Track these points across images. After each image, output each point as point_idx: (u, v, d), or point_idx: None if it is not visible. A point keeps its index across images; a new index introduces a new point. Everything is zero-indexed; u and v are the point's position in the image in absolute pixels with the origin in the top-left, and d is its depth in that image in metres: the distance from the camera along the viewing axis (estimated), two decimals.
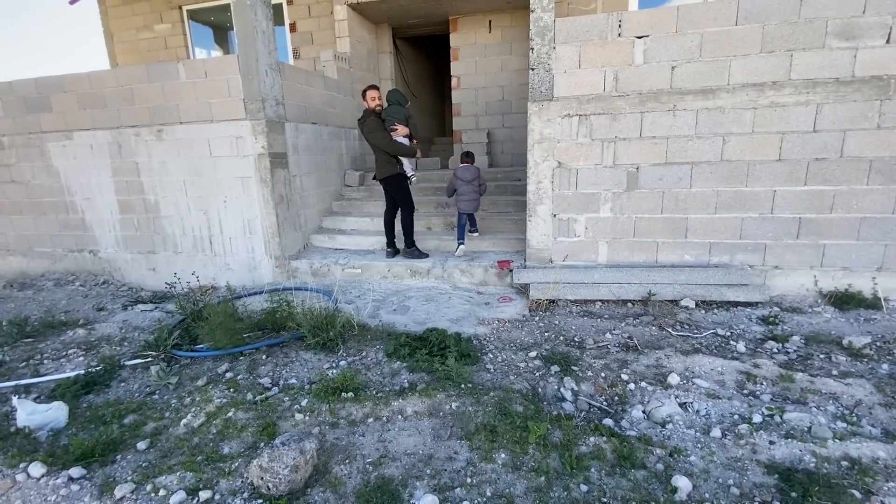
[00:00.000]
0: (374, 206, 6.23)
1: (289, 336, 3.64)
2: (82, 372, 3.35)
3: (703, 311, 3.92)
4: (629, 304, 4.14)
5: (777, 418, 2.46)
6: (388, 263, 5.04)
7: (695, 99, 3.91)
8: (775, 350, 3.17)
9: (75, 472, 2.30)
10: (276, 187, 5.15)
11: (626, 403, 2.71)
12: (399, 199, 5.15)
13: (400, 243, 5.35)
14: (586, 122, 4.15)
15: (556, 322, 3.89)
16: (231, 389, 2.98)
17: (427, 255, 5.24)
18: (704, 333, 3.48)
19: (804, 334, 3.37)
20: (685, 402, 2.64)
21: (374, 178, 5.23)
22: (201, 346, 3.69)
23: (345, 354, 3.44)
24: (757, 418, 2.46)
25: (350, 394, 2.78)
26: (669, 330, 3.58)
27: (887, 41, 3.54)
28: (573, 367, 3.09)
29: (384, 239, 5.51)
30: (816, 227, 3.94)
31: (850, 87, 3.64)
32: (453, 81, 7.83)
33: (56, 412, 2.78)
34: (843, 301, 3.86)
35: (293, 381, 3.10)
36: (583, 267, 4.40)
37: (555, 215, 4.41)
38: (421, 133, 8.24)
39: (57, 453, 2.47)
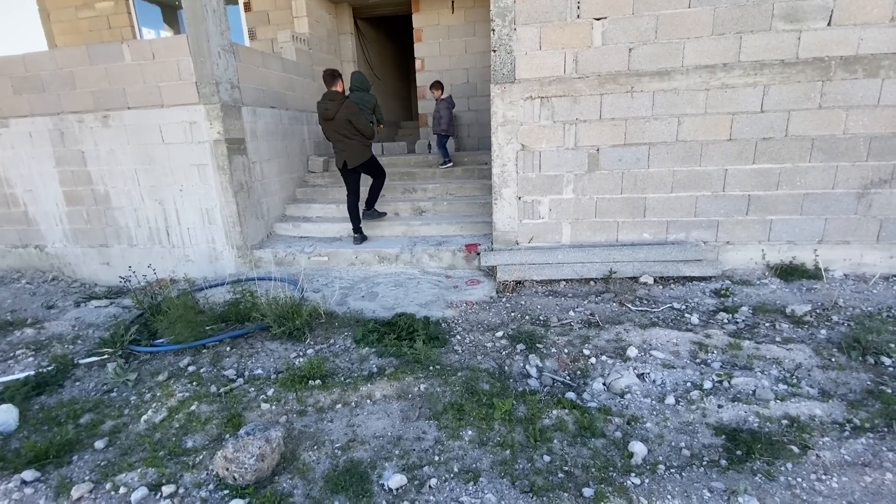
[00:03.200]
0: (339, 193, 6.13)
1: (253, 327, 3.57)
2: (32, 373, 3.19)
3: (661, 287, 4.08)
4: (592, 283, 4.26)
5: (725, 384, 2.62)
6: (355, 250, 4.99)
7: (651, 80, 4.01)
8: (725, 321, 3.35)
9: (28, 475, 2.21)
10: (234, 175, 4.98)
11: (587, 377, 2.82)
12: (376, 173, 5.25)
13: (368, 230, 5.31)
14: (548, 105, 4.19)
15: (523, 302, 3.97)
16: (194, 383, 2.92)
17: (385, 214, 5.47)
18: (661, 308, 3.64)
19: (752, 305, 3.57)
20: (643, 373, 2.77)
21: (343, 167, 5.03)
22: (161, 340, 3.58)
23: (312, 343, 3.41)
24: (707, 384, 2.61)
25: (318, 381, 2.77)
26: (629, 306, 3.72)
27: (828, 23, 3.71)
28: (538, 345, 3.17)
29: (350, 225, 5.44)
30: (764, 204, 4.15)
31: (795, 68, 3.81)
32: (417, 63, 7.71)
33: (4, 415, 2.65)
34: (788, 273, 4.11)
35: (259, 371, 3.06)
36: (547, 248, 4.49)
37: (520, 198, 4.46)
38: (386, 117, 8.13)
39: (8, 457, 2.37)
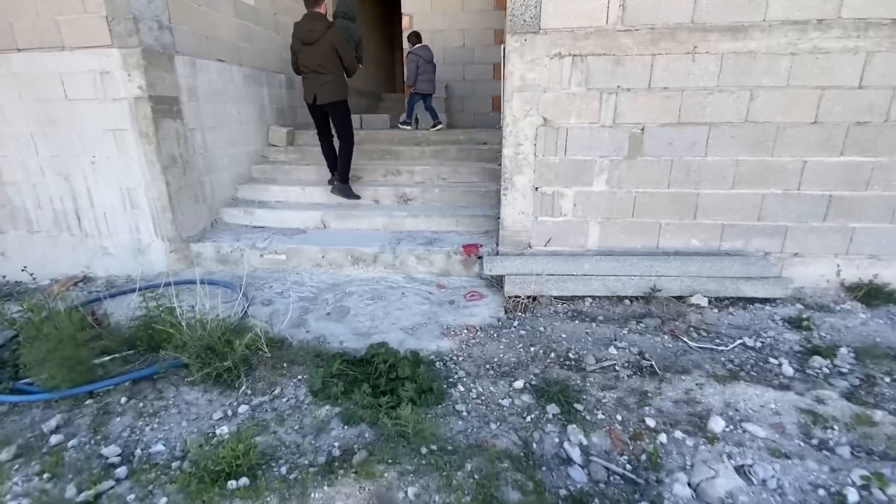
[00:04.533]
0: (307, 172, 4.99)
1: (165, 365, 2.49)
2: None
3: (716, 310, 3.18)
4: (626, 302, 3.33)
5: (878, 493, 1.71)
6: (321, 248, 3.90)
7: (721, 39, 3.01)
8: (826, 370, 2.46)
9: None
10: (164, 144, 3.79)
11: (660, 468, 1.88)
12: (343, 129, 4.42)
13: (339, 222, 4.23)
14: (582, 66, 3.15)
15: (542, 328, 3.00)
16: (45, 475, 1.84)
17: (359, 197, 4.62)
18: (731, 345, 2.72)
19: (850, 345, 2.69)
20: (743, 466, 1.85)
21: (313, 102, 4.30)
22: (29, 380, 2.47)
23: (249, 391, 2.37)
24: (852, 496, 1.70)
25: (243, 481, 1.73)
26: (686, 340, 2.79)
27: None
28: (576, 406, 2.21)
29: (318, 213, 4.35)
30: (847, 207, 3.26)
31: None
32: (404, 21, 6.52)
33: None
34: (870, 296, 3.25)
35: (159, 447, 2.00)
36: (569, 254, 3.52)
37: (537, 188, 3.45)
38: (368, 88, 6.96)
39: None
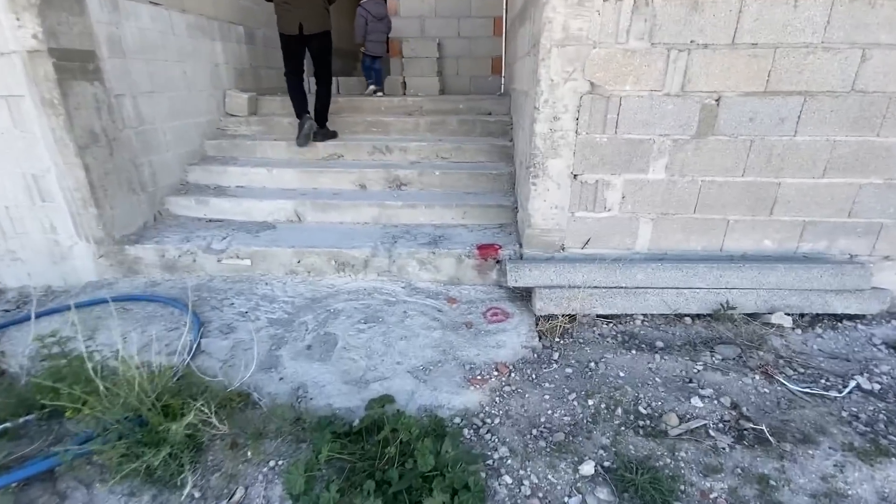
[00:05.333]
0: (275, 149, 4.06)
1: (70, 454, 1.69)
2: None
3: (800, 331, 2.55)
4: (687, 320, 2.67)
5: None
6: (296, 251, 3.07)
7: None
8: None
9: None
10: (77, 116, 2.83)
11: None
12: (328, 67, 4.04)
13: (317, 213, 3.39)
14: (646, 11, 2.34)
15: (591, 362, 2.31)
16: None
17: (336, 134, 4.22)
18: (845, 391, 2.09)
19: None
20: None
21: (299, 31, 3.75)
22: None
23: (198, 493, 1.61)
24: None
25: None
26: (783, 381, 2.15)
27: None
28: None
29: (291, 203, 3.49)
30: None
31: None
32: None
33: None
34: None
35: None
36: (611, 259, 2.80)
37: (576, 176, 2.68)
38: (343, 46, 5.96)
39: None
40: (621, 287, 2.65)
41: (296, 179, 3.75)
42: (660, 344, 2.49)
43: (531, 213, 2.77)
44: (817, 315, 2.65)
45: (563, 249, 2.86)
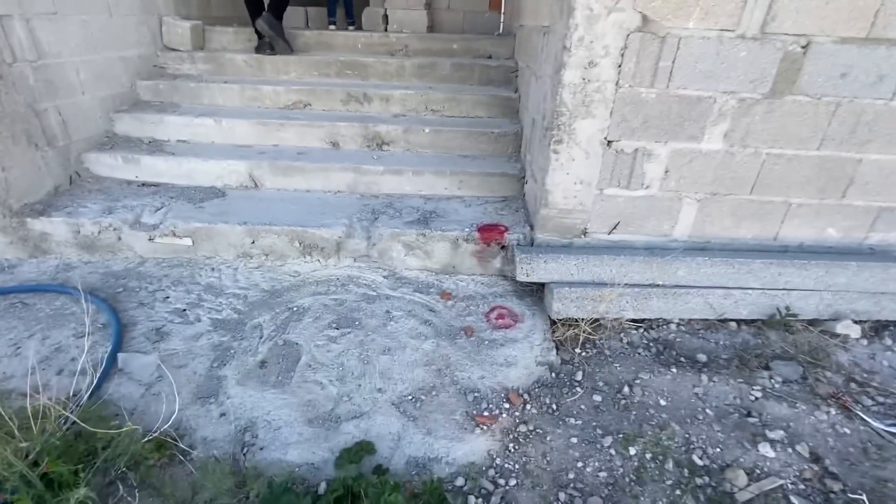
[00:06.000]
0: (225, 94, 3.29)
1: None
2: None
3: (866, 342, 2.12)
4: (731, 325, 2.20)
5: None
6: (249, 228, 2.42)
7: None
8: None
9: None
10: None
11: None
12: None
13: (277, 176, 2.72)
14: None
15: (625, 387, 1.83)
16: None
17: (293, 51, 3.65)
18: None
19: None
20: None
21: None
22: None
23: None
24: None
25: None
26: (864, 416, 1.72)
27: None
28: None
29: (245, 164, 2.80)
30: None
31: None
32: None
33: None
34: None
35: None
36: (643, 248, 2.28)
37: (610, 143, 2.08)
38: None
39: None
40: (657, 285, 2.14)
41: (252, 134, 3.03)
42: (702, 357, 2.02)
43: (549, 188, 2.18)
44: (881, 322, 2.22)
45: (584, 234, 2.30)
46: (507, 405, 1.71)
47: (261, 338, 1.99)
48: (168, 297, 2.22)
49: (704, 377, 1.89)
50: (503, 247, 2.40)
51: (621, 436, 1.61)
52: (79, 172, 2.84)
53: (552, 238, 2.32)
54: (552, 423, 1.66)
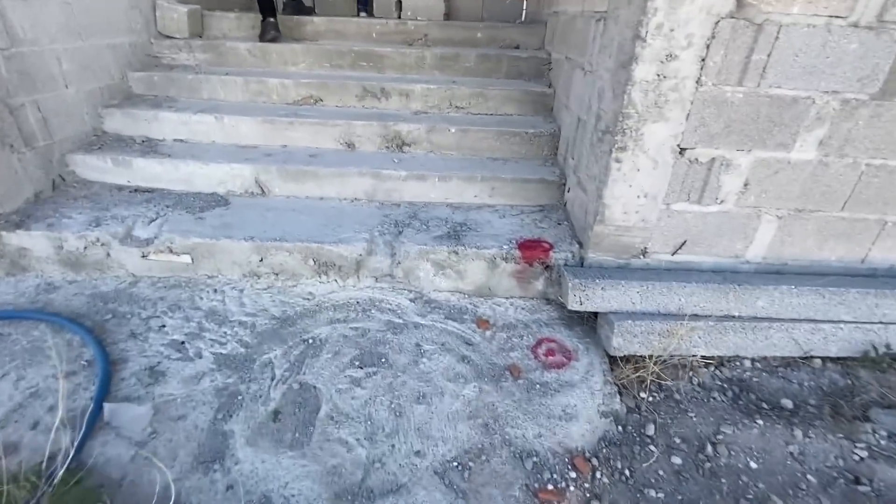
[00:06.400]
0: (228, 87, 2.96)
1: None
2: None
3: None
4: (816, 363, 1.91)
5: None
6: (257, 244, 2.11)
7: None
8: None
9: None
10: None
11: None
12: None
13: (285, 182, 2.41)
14: None
15: (707, 444, 1.55)
16: None
17: (276, 36, 3.23)
18: None
19: None
20: None
21: None
22: None
23: None
24: None
25: None
26: None
27: None
28: None
29: (251, 168, 2.49)
30: None
31: None
32: None
33: None
34: None
35: None
36: (711, 272, 1.97)
37: (683, 151, 1.77)
38: None
39: None
40: (733, 317, 1.85)
41: (257, 133, 2.71)
42: (787, 404, 1.73)
43: (607, 202, 1.87)
44: None
45: (643, 254, 2.00)
46: (573, 474, 1.42)
47: (273, 379, 1.70)
48: (164, 326, 1.92)
49: (798, 432, 1.60)
50: (547, 266, 2.10)
51: None
52: (63, 176, 2.52)
53: (606, 258, 2.01)
54: (629, 496, 1.37)
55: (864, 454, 1.54)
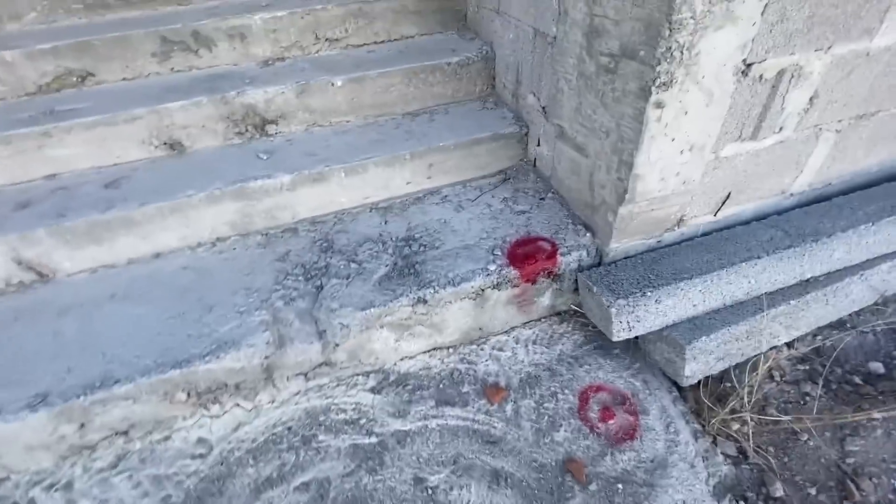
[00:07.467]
0: None
1: None
2: None
3: None
4: (889, 307, 1.57)
5: None
6: (54, 411, 1.11)
7: None
8: None
9: None
10: None
11: None
12: None
13: None
14: None
15: (847, 483, 1.13)
16: None
17: None
18: None
19: None
20: None
21: None
22: None
23: None
24: None
25: None
26: None
27: None
28: None
29: None
30: None
31: None
32: None
33: None
34: None
35: None
36: (753, 220, 1.46)
37: (749, 66, 1.10)
38: None
39: None
40: (807, 281, 1.38)
41: None
42: (878, 368, 1.39)
43: (641, 171, 1.19)
44: None
45: (680, 223, 1.40)
46: None
47: None
48: None
49: None
50: (555, 276, 1.42)
51: None
52: None
53: (633, 243, 1.39)
54: None
55: None
